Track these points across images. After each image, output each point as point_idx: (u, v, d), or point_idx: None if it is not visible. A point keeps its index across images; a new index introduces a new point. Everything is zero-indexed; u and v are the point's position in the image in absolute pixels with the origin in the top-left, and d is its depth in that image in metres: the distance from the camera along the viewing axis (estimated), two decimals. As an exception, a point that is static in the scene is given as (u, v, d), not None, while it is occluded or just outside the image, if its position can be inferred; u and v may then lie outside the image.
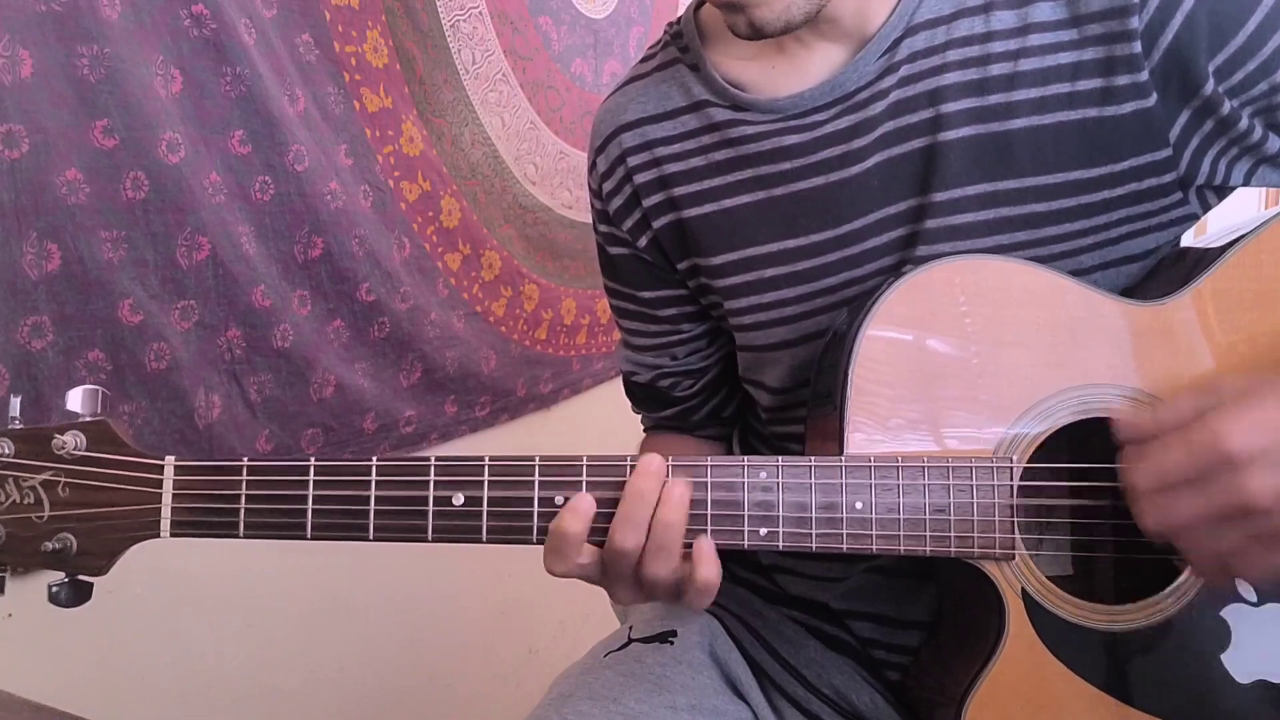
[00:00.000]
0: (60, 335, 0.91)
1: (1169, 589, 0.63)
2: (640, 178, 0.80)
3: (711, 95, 0.77)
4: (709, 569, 0.60)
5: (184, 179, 0.98)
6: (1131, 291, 0.70)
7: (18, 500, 0.60)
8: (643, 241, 0.82)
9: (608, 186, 0.83)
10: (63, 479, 0.60)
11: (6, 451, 0.60)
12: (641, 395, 0.91)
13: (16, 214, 0.86)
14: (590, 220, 0.89)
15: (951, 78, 0.70)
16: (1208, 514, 0.54)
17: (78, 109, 0.89)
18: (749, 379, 0.82)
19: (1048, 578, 0.63)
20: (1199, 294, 0.64)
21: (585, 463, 0.61)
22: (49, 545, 0.60)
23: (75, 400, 0.61)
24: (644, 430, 0.95)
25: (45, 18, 0.86)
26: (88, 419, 0.61)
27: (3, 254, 0.86)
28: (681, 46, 0.80)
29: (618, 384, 0.95)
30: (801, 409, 0.73)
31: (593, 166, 0.85)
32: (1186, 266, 0.67)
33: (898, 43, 0.71)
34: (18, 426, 0.61)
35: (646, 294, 0.85)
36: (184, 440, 1.03)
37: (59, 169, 0.88)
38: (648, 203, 0.80)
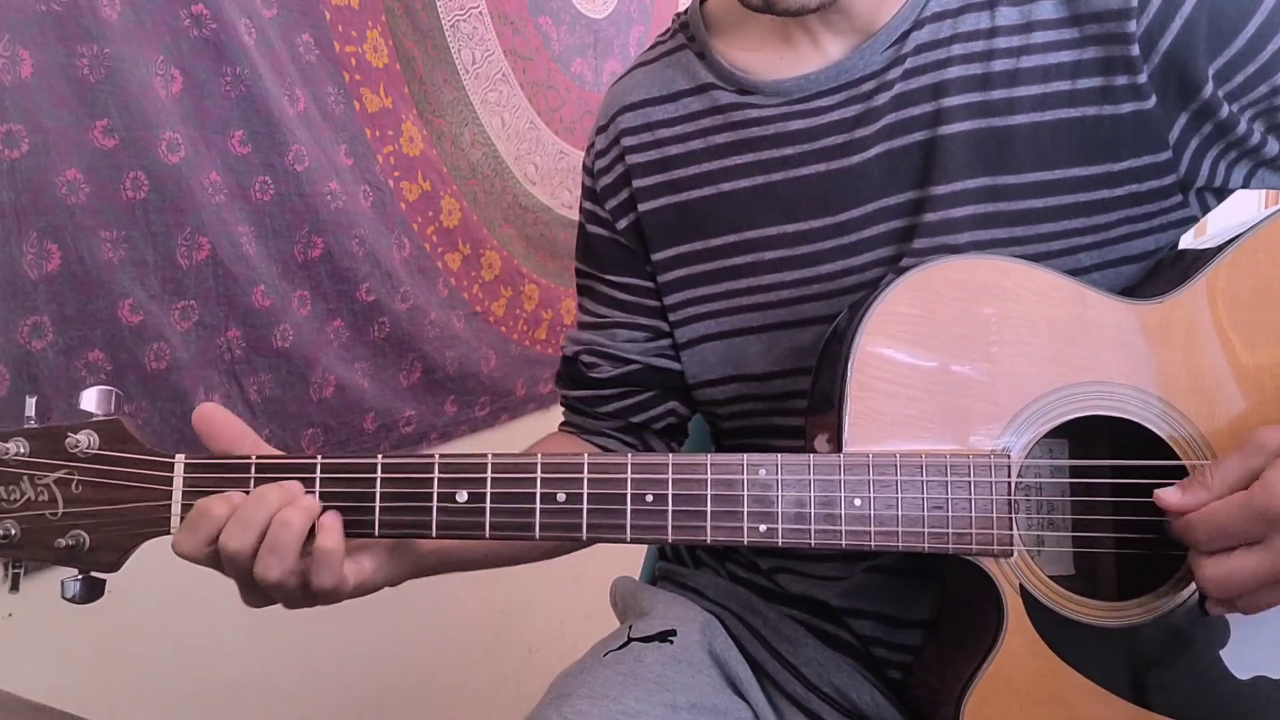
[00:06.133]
0: (60, 335, 0.91)
1: (1167, 585, 0.63)
2: (635, 158, 0.81)
3: (717, 79, 0.78)
4: (329, 537, 0.60)
5: (184, 179, 0.99)
6: (1130, 291, 0.70)
7: (32, 498, 0.60)
8: (623, 223, 0.82)
9: (601, 164, 0.84)
10: (76, 477, 0.61)
11: (21, 450, 0.60)
12: (564, 371, 0.88)
13: (16, 214, 0.86)
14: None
15: (955, 72, 0.70)
16: (1271, 574, 0.55)
17: (78, 109, 0.90)
18: (738, 375, 0.80)
19: (1051, 577, 0.63)
20: (1196, 292, 0.64)
21: (586, 461, 0.61)
22: (62, 542, 0.60)
23: (90, 400, 0.62)
24: (563, 414, 0.91)
25: (45, 18, 0.86)
26: (101, 418, 0.62)
27: (3, 254, 0.86)
28: (689, 36, 0.81)
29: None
30: (796, 399, 0.73)
31: (591, 144, 0.85)
32: (1184, 266, 0.67)
33: (906, 35, 0.72)
34: (33, 426, 0.61)
35: (610, 277, 0.84)
36: (183, 440, 1.03)
37: (59, 169, 0.89)
38: (639, 183, 0.80)
